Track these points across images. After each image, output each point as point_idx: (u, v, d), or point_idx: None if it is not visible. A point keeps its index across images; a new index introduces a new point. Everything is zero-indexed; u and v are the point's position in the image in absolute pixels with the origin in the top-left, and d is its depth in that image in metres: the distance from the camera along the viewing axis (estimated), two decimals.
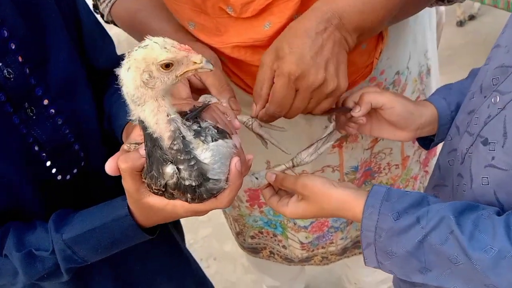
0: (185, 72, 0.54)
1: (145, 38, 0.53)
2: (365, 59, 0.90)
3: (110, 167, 0.61)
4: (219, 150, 0.57)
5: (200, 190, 0.57)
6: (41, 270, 0.70)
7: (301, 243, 1.24)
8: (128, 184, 0.61)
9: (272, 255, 1.36)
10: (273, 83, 0.73)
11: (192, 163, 0.55)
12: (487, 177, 0.63)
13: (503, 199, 0.62)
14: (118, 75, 0.54)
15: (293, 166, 0.79)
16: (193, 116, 0.59)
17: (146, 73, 0.52)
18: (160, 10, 0.86)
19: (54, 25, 0.73)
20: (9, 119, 0.68)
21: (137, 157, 0.59)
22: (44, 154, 0.73)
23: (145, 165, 0.58)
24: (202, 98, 0.75)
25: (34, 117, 0.71)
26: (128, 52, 0.53)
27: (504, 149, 0.60)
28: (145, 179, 0.59)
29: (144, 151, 0.57)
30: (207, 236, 2.31)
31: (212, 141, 0.57)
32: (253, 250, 1.38)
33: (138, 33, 0.89)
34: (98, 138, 0.81)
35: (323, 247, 1.27)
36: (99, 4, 0.92)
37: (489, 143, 0.63)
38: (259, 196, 1.17)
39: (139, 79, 0.52)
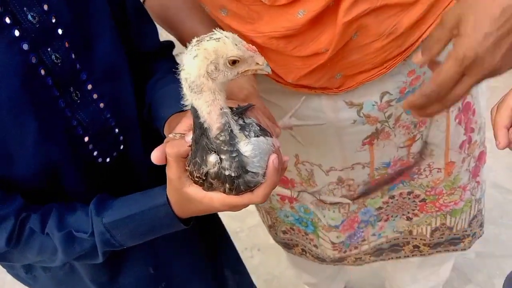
0: (246, 70, 0.58)
1: (214, 31, 0.55)
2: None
3: (156, 156, 0.65)
4: (260, 145, 0.60)
5: (238, 181, 0.59)
6: (79, 251, 0.73)
7: (333, 243, 1.23)
8: (172, 170, 0.64)
9: (304, 253, 1.36)
10: (446, 44, 0.69)
11: (234, 154, 0.58)
12: None
13: None
14: (180, 60, 0.56)
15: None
16: (239, 112, 0.62)
17: (213, 64, 0.55)
18: (195, 11, 0.87)
19: (99, 11, 0.75)
20: (56, 103, 0.71)
21: (183, 143, 0.62)
22: (86, 137, 0.76)
23: (190, 153, 0.61)
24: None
25: (78, 101, 0.74)
26: (197, 41, 0.55)
27: None
28: (188, 166, 0.62)
29: (191, 138, 0.61)
30: (253, 226, 2.32)
31: (255, 136, 0.60)
32: (286, 245, 1.39)
33: (170, 28, 0.91)
34: (136, 124, 0.83)
35: (355, 248, 1.26)
36: None
37: None
38: (290, 191, 1.17)
39: (204, 68, 0.55)
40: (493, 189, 2.19)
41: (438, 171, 1.08)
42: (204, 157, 0.59)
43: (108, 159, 0.81)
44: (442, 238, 1.24)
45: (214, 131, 0.58)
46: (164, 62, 0.90)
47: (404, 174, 1.09)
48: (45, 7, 0.67)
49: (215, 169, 0.59)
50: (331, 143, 0.96)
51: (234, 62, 0.55)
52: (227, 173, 0.58)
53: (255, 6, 0.80)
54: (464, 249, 1.28)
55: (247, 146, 0.59)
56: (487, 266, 1.91)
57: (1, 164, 0.68)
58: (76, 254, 0.74)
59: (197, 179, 0.62)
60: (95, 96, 0.75)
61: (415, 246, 1.27)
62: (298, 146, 1.04)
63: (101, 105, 0.77)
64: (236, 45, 0.55)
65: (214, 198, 0.63)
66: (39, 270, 0.89)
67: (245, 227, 2.33)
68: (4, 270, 0.94)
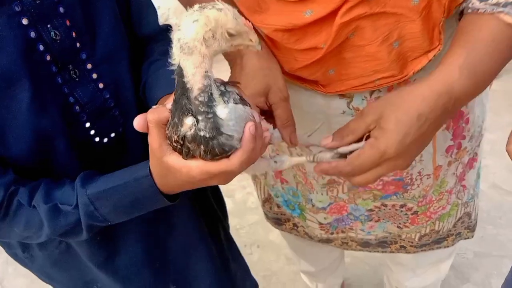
0: (239, 44, 0.60)
1: (216, 2, 0.57)
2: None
3: (138, 123, 0.65)
4: (237, 111, 0.62)
5: (212, 143, 0.60)
6: (64, 225, 0.74)
7: (320, 223, 1.25)
8: (152, 137, 0.64)
9: (295, 227, 1.36)
10: (361, 138, 0.74)
11: (210, 116, 0.59)
12: None
13: None
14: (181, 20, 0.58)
15: (313, 161, 0.80)
16: (223, 82, 0.64)
17: (211, 32, 0.57)
18: None
19: None
20: (53, 79, 0.72)
21: (164, 110, 0.63)
22: (84, 115, 0.77)
23: (170, 118, 0.62)
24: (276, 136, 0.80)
25: (77, 79, 0.75)
26: (200, 7, 0.57)
27: None
28: (167, 130, 0.63)
29: (171, 105, 0.62)
30: (253, 223, 2.33)
31: (233, 103, 0.62)
32: (277, 221, 1.39)
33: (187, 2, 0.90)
34: (135, 106, 0.84)
35: (342, 231, 1.27)
36: None
37: None
38: (282, 170, 1.18)
39: (201, 34, 0.57)
40: (493, 190, 2.19)
41: (427, 177, 1.08)
42: (181, 118, 0.60)
43: (105, 140, 0.81)
44: (429, 240, 1.25)
45: (195, 91, 0.59)
46: (160, 44, 0.90)
47: (398, 185, 1.09)
48: None
49: (192, 131, 0.60)
50: (321, 128, 0.97)
51: (231, 35, 0.58)
52: (201, 133, 0.59)
53: None
54: (447, 246, 1.28)
55: (223, 110, 0.60)
56: (484, 266, 1.91)
57: None
58: (62, 229, 0.74)
59: (175, 144, 0.62)
60: (94, 76, 0.76)
61: (402, 246, 1.28)
62: None
63: (101, 85, 0.77)
64: (236, 19, 0.57)
65: (192, 167, 0.63)
66: (35, 249, 0.90)
67: (245, 224, 2.34)
68: (4, 266, 0.94)
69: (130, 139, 0.84)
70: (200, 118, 0.59)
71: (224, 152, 0.62)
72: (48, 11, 0.69)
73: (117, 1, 0.80)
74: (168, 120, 0.63)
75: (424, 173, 1.07)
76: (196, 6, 0.57)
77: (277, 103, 0.80)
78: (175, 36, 0.58)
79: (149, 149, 0.67)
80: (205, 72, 0.59)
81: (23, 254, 0.91)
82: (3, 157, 0.72)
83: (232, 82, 0.66)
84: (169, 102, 0.64)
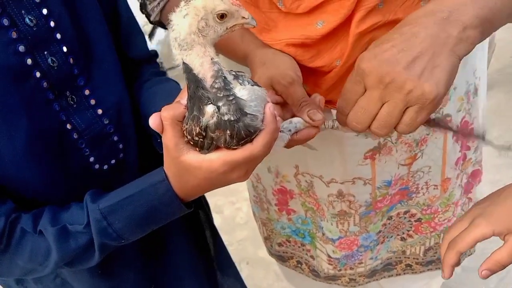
0: (234, 25, 0.60)
1: None
2: None
3: (154, 121, 0.62)
4: (255, 91, 0.61)
5: (238, 125, 0.59)
6: (74, 248, 0.70)
7: (329, 256, 1.22)
8: (168, 136, 0.62)
9: (299, 265, 1.34)
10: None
11: (231, 98, 0.59)
12: None
13: None
14: (170, 20, 0.58)
15: (332, 128, 0.79)
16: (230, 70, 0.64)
17: (204, 20, 0.57)
18: None
19: (95, 18, 0.75)
20: (50, 106, 0.70)
21: (179, 106, 0.62)
22: (82, 142, 0.75)
23: (186, 112, 0.61)
24: (287, 123, 0.76)
25: (74, 106, 0.73)
26: (185, 1, 0.58)
27: None
28: (186, 124, 0.61)
29: (186, 101, 0.61)
30: (242, 239, 2.32)
31: (249, 85, 0.62)
32: (281, 258, 1.37)
33: None
34: (133, 130, 0.82)
35: (351, 268, 1.24)
36: (147, 3, 0.93)
37: None
38: (288, 201, 1.17)
39: (195, 25, 0.57)
40: None
41: (434, 188, 1.08)
42: (202, 108, 0.58)
43: (105, 166, 0.79)
44: (434, 256, 1.24)
45: (208, 79, 0.58)
46: (150, 67, 0.91)
47: (402, 193, 1.09)
48: (44, 11, 0.68)
49: (214, 119, 0.58)
50: (333, 153, 0.95)
51: (222, 17, 0.58)
52: (226, 118, 0.58)
53: (272, 14, 0.80)
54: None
55: (242, 91, 0.60)
56: (472, 281, 1.92)
57: None
58: (72, 253, 0.70)
59: (196, 138, 0.60)
60: (92, 102, 0.75)
61: (408, 265, 1.27)
62: (297, 157, 1.03)
63: (99, 111, 0.76)
64: (222, 0, 0.58)
65: (213, 159, 0.61)
66: (30, 282, 0.86)
67: (234, 241, 2.33)
68: None
69: (130, 165, 0.83)
70: (221, 103, 0.58)
71: (249, 135, 0.60)
72: (45, 37, 0.68)
73: (108, 24, 0.79)
74: (184, 116, 0.61)
75: (431, 183, 1.07)
76: (183, 2, 0.58)
77: (284, 91, 0.77)
78: (170, 36, 0.58)
79: (164, 149, 0.64)
80: (212, 59, 0.59)
81: (17, 286, 0.87)
82: (1, 185, 0.69)
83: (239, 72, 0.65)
84: (182, 98, 0.62)
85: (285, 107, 0.79)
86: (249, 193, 1.33)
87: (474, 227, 0.70)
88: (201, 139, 0.60)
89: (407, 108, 0.63)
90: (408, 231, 1.19)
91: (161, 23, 0.97)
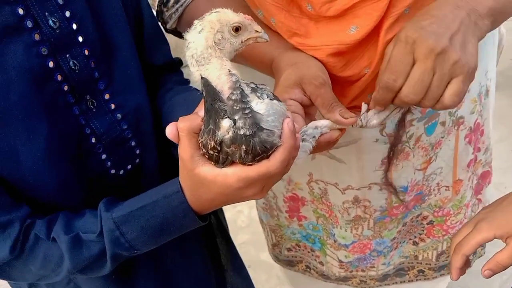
0: (248, 38, 0.60)
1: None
2: None
3: (171, 131, 0.61)
4: (273, 106, 0.60)
5: (254, 141, 0.57)
6: (87, 257, 0.70)
7: (340, 261, 1.21)
8: (183, 148, 0.61)
9: (308, 269, 1.33)
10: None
11: (247, 111, 0.57)
12: None
13: None
14: (185, 39, 0.58)
15: (361, 126, 0.78)
16: (252, 82, 0.63)
17: (219, 33, 0.58)
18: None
19: (119, 23, 0.75)
20: (70, 109, 0.70)
21: (196, 117, 0.61)
22: (100, 147, 0.74)
23: (203, 125, 0.60)
24: (311, 129, 0.75)
25: (94, 110, 0.73)
26: (200, 18, 0.58)
27: None
28: (202, 138, 0.60)
29: (203, 112, 0.60)
30: (244, 243, 2.31)
31: (267, 99, 0.60)
32: (289, 263, 1.36)
33: None
34: (152, 137, 0.81)
35: (363, 270, 1.24)
36: (165, 10, 0.92)
37: None
38: (299, 208, 1.16)
39: (211, 39, 0.58)
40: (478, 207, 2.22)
41: (446, 189, 1.08)
42: (218, 122, 0.57)
43: (121, 171, 0.78)
44: (447, 260, 1.23)
45: (226, 91, 0.57)
46: (173, 75, 0.90)
47: (417, 199, 1.09)
48: (67, 13, 0.67)
49: (230, 133, 0.57)
50: (350, 161, 0.95)
51: (237, 30, 0.59)
52: (241, 132, 0.57)
53: (303, 19, 0.79)
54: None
55: (260, 105, 0.59)
56: (475, 284, 1.92)
57: (9, 168, 0.66)
58: (84, 262, 0.70)
59: (211, 152, 0.59)
60: (112, 106, 0.74)
61: (420, 271, 1.26)
62: (312, 165, 1.02)
63: (118, 116, 0.75)
64: (235, 14, 0.59)
65: (229, 174, 0.59)
66: (43, 286, 0.85)
67: (236, 244, 2.31)
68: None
69: (147, 171, 0.82)
70: (237, 117, 0.57)
71: (265, 151, 0.58)
72: (67, 40, 0.68)
73: (133, 32, 0.79)
74: (201, 129, 0.60)
75: (443, 184, 1.07)
76: (196, 21, 0.58)
77: (314, 92, 0.75)
78: (187, 54, 0.58)
79: (180, 161, 0.63)
80: (229, 71, 0.58)
81: None
82: (18, 189, 0.69)
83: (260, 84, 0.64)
84: (200, 110, 0.61)
85: (308, 112, 0.77)
86: (257, 200, 1.31)
87: (477, 231, 0.76)
88: (216, 154, 0.59)
89: (450, 79, 0.66)
90: (420, 234, 1.18)
91: (177, 31, 0.95)
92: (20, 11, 0.62)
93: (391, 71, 0.68)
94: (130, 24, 0.77)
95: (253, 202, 1.38)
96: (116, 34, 0.74)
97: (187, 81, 0.93)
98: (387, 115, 0.77)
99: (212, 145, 0.58)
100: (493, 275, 0.76)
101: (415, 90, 0.67)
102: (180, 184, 0.66)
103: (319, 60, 0.79)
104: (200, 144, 0.60)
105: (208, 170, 0.60)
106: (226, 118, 0.57)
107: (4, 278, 0.74)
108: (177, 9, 0.90)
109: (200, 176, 0.61)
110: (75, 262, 0.69)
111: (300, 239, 1.26)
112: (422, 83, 0.66)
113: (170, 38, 0.94)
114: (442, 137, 1.00)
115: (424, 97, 0.68)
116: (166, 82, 0.88)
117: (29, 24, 0.63)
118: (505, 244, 0.74)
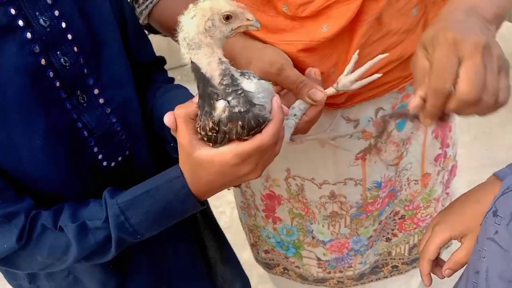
0: (239, 26, 0.63)
1: None
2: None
3: (169, 119, 0.66)
4: (262, 85, 0.65)
5: (248, 116, 0.63)
6: (93, 243, 0.73)
7: (318, 259, 1.24)
8: (181, 133, 0.65)
9: (286, 271, 1.35)
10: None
11: (239, 92, 0.63)
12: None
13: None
14: (179, 21, 0.62)
15: (337, 92, 0.82)
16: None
17: (210, 21, 0.61)
18: None
19: (106, 20, 0.78)
20: (62, 104, 0.73)
21: (191, 104, 0.66)
22: (92, 140, 0.78)
23: (199, 110, 0.65)
24: (298, 103, 0.80)
25: (84, 104, 0.76)
26: (194, 4, 0.61)
27: (508, 228, 0.62)
28: (200, 121, 0.64)
29: (197, 100, 0.65)
30: None
31: (256, 79, 0.65)
32: (267, 265, 1.38)
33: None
34: (142, 130, 0.85)
35: (340, 271, 1.27)
36: (136, 7, 0.95)
37: (497, 215, 0.64)
38: (275, 207, 1.19)
39: (202, 26, 0.60)
40: None
41: (415, 183, 1.12)
42: (213, 104, 0.62)
43: (113, 163, 0.82)
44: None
45: (216, 78, 0.62)
46: (160, 73, 0.95)
47: (390, 195, 1.12)
48: (56, 12, 0.70)
49: (226, 113, 0.62)
50: (326, 156, 0.97)
51: (227, 18, 0.62)
52: (236, 109, 0.62)
53: (278, 18, 0.82)
54: None
55: (250, 84, 0.64)
56: (450, 278, 1.98)
57: (11, 162, 0.69)
58: (91, 248, 0.73)
59: (210, 133, 0.64)
60: (101, 100, 0.77)
61: (394, 267, 1.30)
62: (290, 160, 1.06)
63: (108, 110, 0.78)
64: (227, 2, 0.62)
65: (225, 152, 0.64)
66: (43, 280, 0.88)
67: None
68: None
69: (138, 163, 0.85)
70: (230, 98, 0.62)
71: (259, 124, 0.64)
72: (57, 38, 0.71)
73: (119, 27, 0.82)
74: (197, 114, 0.65)
75: (412, 179, 1.11)
76: (191, 5, 0.61)
77: (277, 79, 0.78)
78: (179, 37, 0.62)
79: (178, 146, 0.68)
80: (219, 59, 0.62)
81: (30, 285, 0.88)
82: (20, 183, 0.71)
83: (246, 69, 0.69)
84: (194, 99, 0.66)
85: (286, 95, 0.81)
86: (236, 199, 1.34)
87: (434, 235, 0.79)
88: (215, 134, 0.64)
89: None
90: (393, 230, 1.22)
91: (150, 26, 0.99)
92: (12, 11, 0.65)
93: (438, 75, 0.63)
94: (117, 21, 0.80)
95: (234, 203, 1.41)
96: (104, 31, 0.77)
97: (173, 79, 0.97)
98: (358, 75, 0.80)
99: (211, 125, 0.63)
100: (453, 274, 0.80)
101: (475, 87, 0.61)
102: (180, 169, 0.70)
103: (290, 56, 0.82)
104: (198, 128, 0.65)
105: (205, 152, 0.65)
106: (220, 99, 0.62)
107: (11, 268, 0.77)
108: (147, 6, 0.93)
109: (198, 158, 0.66)
110: (82, 249, 0.72)
111: (274, 245, 1.28)
112: (479, 78, 0.61)
113: (164, 40, 0.99)
114: (412, 133, 1.04)
115: (484, 93, 0.62)
116: (155, 81, 0.91)
117: (21, 23, 0.66)
118: (460, 243, 0.77)
